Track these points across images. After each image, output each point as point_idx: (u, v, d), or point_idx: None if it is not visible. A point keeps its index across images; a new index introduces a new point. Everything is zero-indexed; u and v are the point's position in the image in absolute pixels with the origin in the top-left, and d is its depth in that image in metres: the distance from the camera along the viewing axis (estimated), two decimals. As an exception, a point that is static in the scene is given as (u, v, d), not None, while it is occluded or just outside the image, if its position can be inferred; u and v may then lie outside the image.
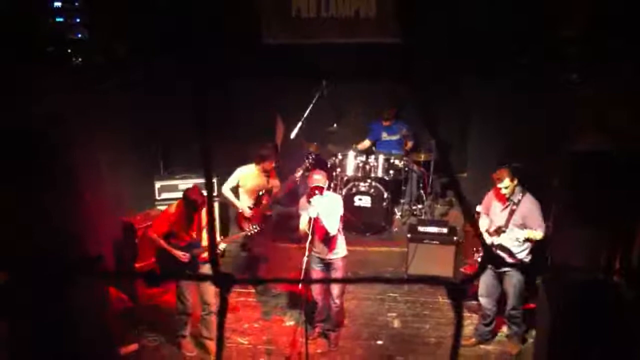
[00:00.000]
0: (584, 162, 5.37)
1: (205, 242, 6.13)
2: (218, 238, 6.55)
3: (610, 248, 5.68)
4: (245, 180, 7.03)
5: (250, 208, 6.99)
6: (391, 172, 8.87)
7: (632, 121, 5.13)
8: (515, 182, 5.82)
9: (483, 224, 6.14)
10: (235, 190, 7.08)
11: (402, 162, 8.92)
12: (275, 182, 7.18)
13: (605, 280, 5.77)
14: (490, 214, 6.07)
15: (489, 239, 5.92)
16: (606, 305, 5.00)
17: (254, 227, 6.61)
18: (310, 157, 7.46)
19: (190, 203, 5.92)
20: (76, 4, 6.18)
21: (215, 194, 7.07)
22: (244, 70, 8.16)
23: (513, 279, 5.95)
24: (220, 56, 7.70)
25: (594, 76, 6.03)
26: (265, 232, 7.05)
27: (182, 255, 5.99)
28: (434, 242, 7.45)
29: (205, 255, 6.05)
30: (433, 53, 7.75)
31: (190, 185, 6.45)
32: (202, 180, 7.20)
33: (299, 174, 7.26)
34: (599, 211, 5.20)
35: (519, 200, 5.83)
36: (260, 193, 7.04)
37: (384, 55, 7.89)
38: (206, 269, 6.20)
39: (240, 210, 7.04)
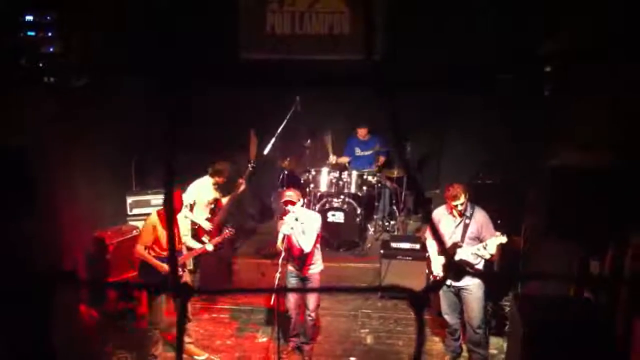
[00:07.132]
0: (561, 177, 5.45)
1: (184, 250, 6.51)
2: (195, 245, 6.59)
3: (582, 262, 5.77)
4: (202, 194, 7.16)
5: (207, 219, 7.16)
6: (364, 188, 8.88)
7: (609, 138, 5.23)
8: (467, 196, 5.83)
9: (431, 247, 6.15)
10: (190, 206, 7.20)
11: (375, 178, 8.95)
12: (221, 194, 7.40)
13: (575, 296, 5.87)
14: (441, 234, 5.91)
15: (441, 260, 5.94)
16: (578, 321, 5.06)
17: (229, 229, 6.84)
18: (251, 163, 7.51)
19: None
20: (48, 17, 6.11)
21: (185, 204, 7.06)
22: (217, 84, 8.17)
23: (476, 294, 5.90)
24: (194, 70, 7.68)
25: (572, 93, 6.13)
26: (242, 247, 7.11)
27: (162, 267, 5.97)
28: (407, 258, 7.49)
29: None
30: (413, 68, 7.82)
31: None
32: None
33: (242, 186, 7.38)
34: (573, 225, 5.28)
35: (472, 214, 5.87)
36: (212, 207, 7.28)
37: (358, 67, 7.94)
38: (185, 276, 6.39)
39: (198, 226, 7.15)
